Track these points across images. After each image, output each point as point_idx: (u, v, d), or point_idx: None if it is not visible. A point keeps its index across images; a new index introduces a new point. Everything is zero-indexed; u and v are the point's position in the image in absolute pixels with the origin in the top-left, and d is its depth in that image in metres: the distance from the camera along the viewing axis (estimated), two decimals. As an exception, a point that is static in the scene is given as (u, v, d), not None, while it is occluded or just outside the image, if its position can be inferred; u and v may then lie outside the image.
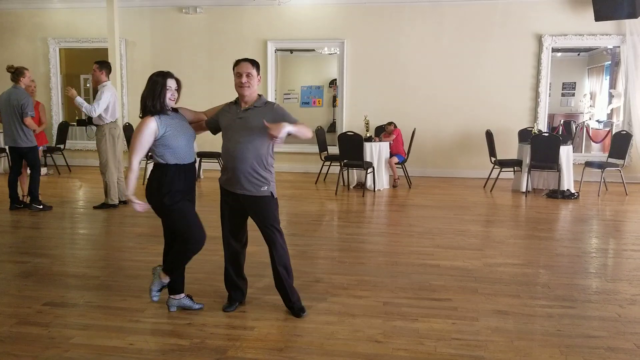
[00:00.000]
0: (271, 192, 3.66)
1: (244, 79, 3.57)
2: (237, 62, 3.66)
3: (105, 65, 7.11)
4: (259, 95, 3.69)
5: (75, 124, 12.54)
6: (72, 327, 3.53)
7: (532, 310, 3.91)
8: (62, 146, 10.95)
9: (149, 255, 5.09)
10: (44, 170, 10.58)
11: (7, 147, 7.21)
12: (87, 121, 12.21)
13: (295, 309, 3.75)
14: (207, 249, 3.74)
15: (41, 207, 7.13)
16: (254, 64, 3.65)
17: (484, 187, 9.25)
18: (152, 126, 3.49)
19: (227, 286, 3.88)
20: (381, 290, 4.29)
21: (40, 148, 7.88)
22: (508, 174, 9.27)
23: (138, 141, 3.50)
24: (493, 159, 9.21)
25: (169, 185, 3.52)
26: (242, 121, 3.59)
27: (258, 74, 3.65)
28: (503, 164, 9.10)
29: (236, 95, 3.68)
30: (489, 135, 9.29)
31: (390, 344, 3.34)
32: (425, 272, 4.75)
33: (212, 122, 3.79)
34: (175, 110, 3.70)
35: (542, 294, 4.28)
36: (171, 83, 3.61)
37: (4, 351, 3.20)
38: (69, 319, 3.68)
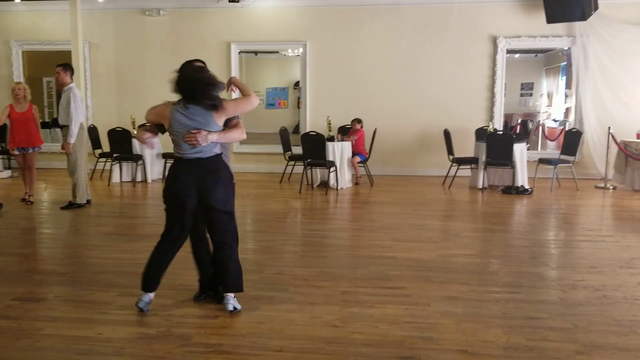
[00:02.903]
0: None
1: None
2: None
3: (69, 67, 7.19)
4: None
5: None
6: (42, 319, 3.67)
7: (480, 296, 4.19)
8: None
9: (115, 252, 5.23)
10: (7, 173, 10.53)
11: None
12: (51, 123, 12.16)
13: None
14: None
15: None
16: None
17: (443, 184, 9.58)
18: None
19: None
20: (340, 281, 4.52)
21: (36, 149, 7.79)
22: (465, 171, 9.61)
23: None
24: (451, 157, 9.55)
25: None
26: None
27: None
28: (460, 161, 9.44)
29: None
30: (447, 134, 9.62)
31: (347, 328, 3.57)
32: (383, 264, 4.99)
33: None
34: None
35: (491, 281, 4.56)
36: None
37: (-24, 343, 3.32)
38: (38, 312, 3.81)
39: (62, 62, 7.34)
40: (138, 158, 9.61)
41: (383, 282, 4.50)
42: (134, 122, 9.64)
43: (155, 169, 10.08)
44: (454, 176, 9.43)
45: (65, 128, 7.14)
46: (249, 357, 3.16)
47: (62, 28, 10.76)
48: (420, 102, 10.61)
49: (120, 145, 9.53)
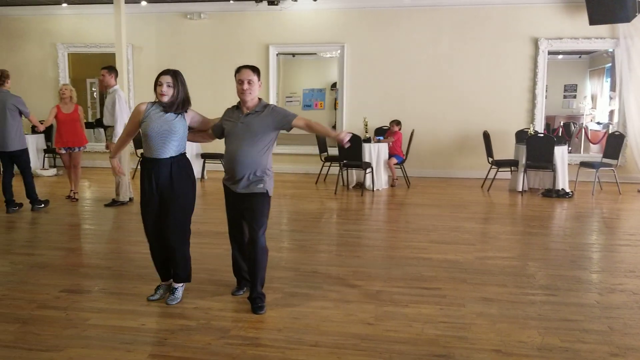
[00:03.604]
0: (267, 190, 3.83)
1: (246, 86, 3.76)
2: (239, 69, 3.84)
3: (113, 70, 7.43)
4: (259, 100, 3.87)
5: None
6: (88, 310, 3.83)
7: (515, 298, 4.18)
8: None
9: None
10: (53, 171, 10.91)
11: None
12: (95, 124, 12.55)
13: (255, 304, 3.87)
14: (213, 242, 4.02)
15: (42, 205, 7.40)
16: (255, 70, 3.83)
17: (482, 186, 9.50)
18: (141, 107, 3.87)
19: (235, 274, 4.18)
20: (375, 280, 4.56)
21: (82, 149, 8.07)
22: (505, 174, 9.51)
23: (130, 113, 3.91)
24: (490, 160, 9.47)
25: (142, 175, 3.89)
26: (244, 126, 3.77)
27: (259, 79, 3.83)
28: (500, 164, 9.35)
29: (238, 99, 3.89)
30: (487, 136, 9.55)
31: (381, 326, 3.62)
32: (418, 265, 5.02)
33: (217, 127, 3.96)
34: (182, 108, 3.86)
35: (527, 283, 4.53)
36: (164, 79, 3.78)
37: (27, 331, 3.50)
38: (84, 303, 3.98)
39: (107, 65, 7.59)
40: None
41: (418, 282, 4.53)
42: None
43: (194, 169, 10.25)
44: (493, 179, 9.34)
45: (110, 128, 7.38)
46: (285, 351, 3.23)
47: (106, 31, 11.09)
48: (459, 104, 10.55)
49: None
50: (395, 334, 3.50)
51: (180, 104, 3.82)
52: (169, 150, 3.79)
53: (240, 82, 3.77)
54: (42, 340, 3.37)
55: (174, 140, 3.80)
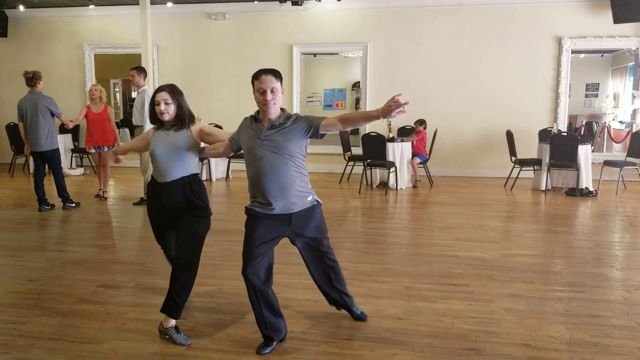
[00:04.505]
0: (317, 200, 3.38)
1: (269, 96, 3.09)
2: (258, 75, 3.14)
3: (142, 70, 7.59)
4: (282, 110, 3.22)
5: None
6: (126, 304, 3.97)
7: (543, 294, 4.22)
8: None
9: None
10: (80, 171, 11.13)
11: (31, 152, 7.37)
12: (120, 124, 12.77)
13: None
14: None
15: (74, 204, 7.58)
16: (277, 75, 3.16)
17: (505, 185, 9.50)
18: (150, 131, 3.59)
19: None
20: (403, 277, 4.63)
21: (111, 148, 8.24)
22: (528, 173, 9.50)
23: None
24: (513, 159, 9.47)
25: (148, 197, 3.64)
26: (269, 142, 3.12)
27: (282, 85, 3.19)
28: (523, 163, 9.34)
29: None
30: (510, 135, 9.55)
31: (412, 320, 3.69)
32: (445, 262, 5.07)
33: (234, 142, 3.39)
34: (188, 123, 3.50)
35: (554, 280, 4.57)
36: (160, 97, 3.39)
37: (68, 324, 3.64)
38: (122, 298, 4.12)
39: (136, 66, 7.75)
40: (203, 158, 9.96)
41: (446, 279, 4.59)
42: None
43: (219, 168, 10.43)
44: (516, 178, 9.34)
45: (139, 128, 7.53)
46: (319, 344, 3.33)
47: (132, 32, 11.29)
48: (482, 103, 10.55)
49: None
50: (425, 328, 3.57)
51: (186, 119, 3.46)
52: (178, 171, 3.44)
53: (262, 92, 3.10)
54: (83, 333, 3.51)
55: (183, 160, 3.45)
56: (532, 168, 9.42)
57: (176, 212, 3.45)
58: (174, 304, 3.31)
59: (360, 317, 3.70)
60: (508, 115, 10.37)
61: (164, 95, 3.38)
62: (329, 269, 3.55)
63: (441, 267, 4.92)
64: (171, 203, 3.44)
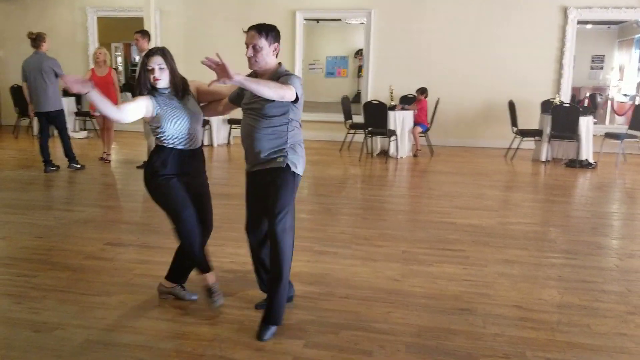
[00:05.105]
0: (287, 164, 3.05)
1: (249, 52, 3.00)
2: (248, 31, 3.04)
3: (147, 34, 7.59)
4: (279, 65, 3.10)
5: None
6: (133, 261, 4.11)
7: (537, 260, 4.35)
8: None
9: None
10: (84, 134, 11.21)
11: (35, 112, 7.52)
12: (122, 88, 12.77)
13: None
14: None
15: (79, 166, 7.68)
16: (262, 30, 2.99)
17: (505, 156, 9.58)
18: (148, 102, 3.14)
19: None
20: (400, 242, 4.75)
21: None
22: (529, 144, 9.56)
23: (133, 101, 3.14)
24: (514, 129, 9.51)
25: (159, 167, 3.20)
26: (247, 100, 3.12)
27: (273, 42, 3.03)
28: (524, 133, 9.39)
29: None
30: (512, 105, 9.58)
31: (407, 282, 3.82)
32: (442, 228, 5.19)
33: (234, 96, 3.31)
34: (184, 89, 3.27)
35: (549, 247, 4.70)
36: (154, 62, 3.11)
37: (79, 278, 3.79)
38: (128, 255, 4.26)
39: (140, 29, 7.75)
40: (205, 123, 10.03)
41: (442, 244, 4.71)
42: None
43: (221, 134, 10.49)
44: (517, 148, 9.41)
45: (142, 92, 7.57)
46: (317, 302, 3.46)
47: (136, -5, 11.23)
48: (485, 73, 10.55)
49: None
50: (420, 289, 3.70)
51: (180, 84, 3.23)
52: (199, 139, 3.32)
53: (246, 47, 3.03)
54: (93, 286, 3.65)
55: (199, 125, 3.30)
56: (533, 139, 9.48)
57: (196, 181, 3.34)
58: (205, 264, 3.31)
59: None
60: (511, 85, 10.38)
61: (157, 60, 3.11)
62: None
63: (438, 233, 5.04)
64: (197, 170, 3.33)
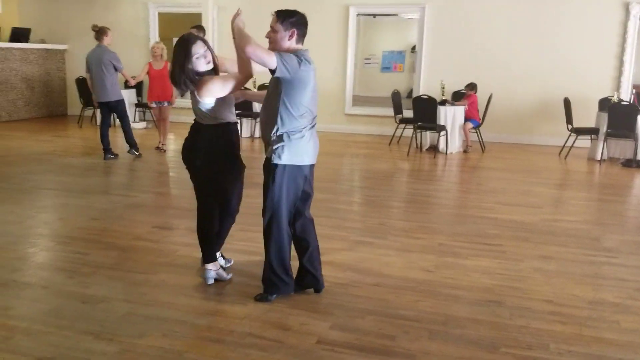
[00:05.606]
0: (270, 157, 3.16)
1: (268, 34, 3.22)
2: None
3: (202, 29, 7.86)
4: (298, 49, 3.22)
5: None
6: (177, 244, 4.35)
7: (575, 257, 4.30)
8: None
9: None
10: (143, 124, 11.68)
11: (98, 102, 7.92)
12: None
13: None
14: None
15: (137, 153, 8.05)
16: (280, 16, 3.18)
17: (559, 154, 9.35)
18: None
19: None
20: (438, 234, 4.80)
21: (170, 103, 8.65)
22: (585, 142, 9.31)
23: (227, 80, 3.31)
24: (570, 127, 9.28)
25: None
26: (270, 82, 3.26)
27: (290, 27, 3.16)
28: (580, 131, 9.15)
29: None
30: (567, 102, 9.34)
31: (440, 273, 3.88)
32: (482, 223, 5.19)
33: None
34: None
35: (590, 245, 4.63)
36: (197, 49, 3.27)
37: (126, 257, 4.05)
38: (173, 238, 4.51)
39: (196, 24, 8.04)
40: (257, 115, 10.27)
41: (480, 238, 4.72)
42: (254, 81, 10.28)
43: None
44: (572, 146, 9.17)
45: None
46: (347, 288, 3.57)
47: (195, -9, 11.57)
48: (540, 69, 10.32)
49: (242, 103, 10.20)
50: (452, 281, 3.75)
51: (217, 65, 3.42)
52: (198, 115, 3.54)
53: None
54: (138, 265, 3.90)
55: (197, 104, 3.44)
56: (589, 137, 9.23)
57: None
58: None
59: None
60: (567, 82, 10.11)
61: (202, 45, 3.29)
62: None
63: (478, 227, 5.04)
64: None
